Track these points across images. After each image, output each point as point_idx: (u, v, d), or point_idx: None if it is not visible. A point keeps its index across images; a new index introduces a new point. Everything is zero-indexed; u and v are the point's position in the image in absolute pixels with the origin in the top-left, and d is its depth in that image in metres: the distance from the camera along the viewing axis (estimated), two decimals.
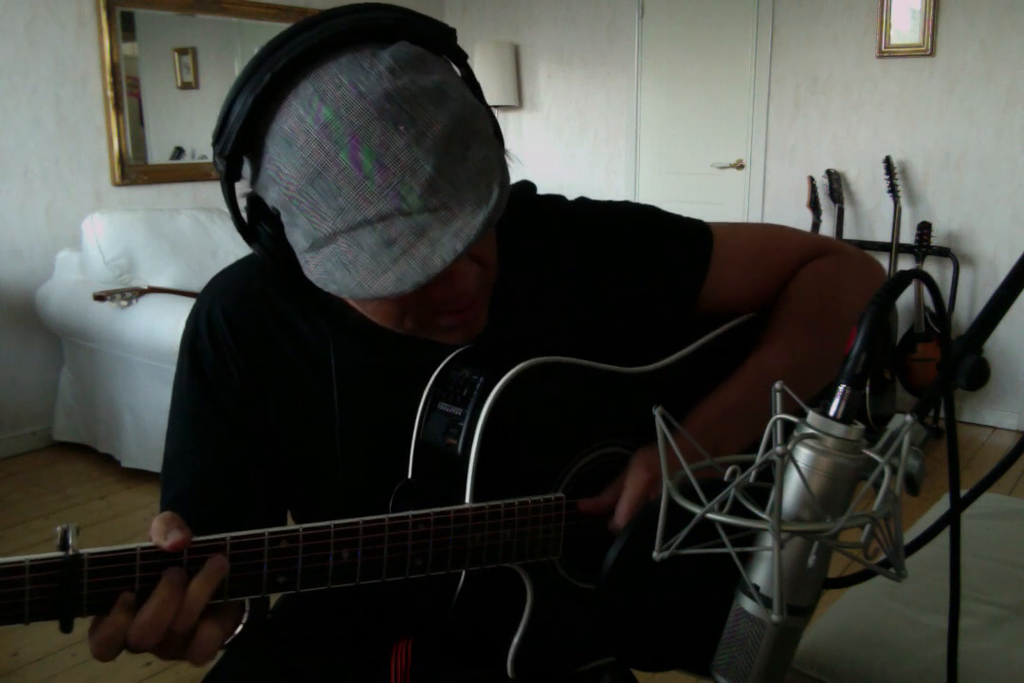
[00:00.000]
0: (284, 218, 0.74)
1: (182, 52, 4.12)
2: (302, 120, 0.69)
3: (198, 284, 3.31)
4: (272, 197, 0.73)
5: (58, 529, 0.65)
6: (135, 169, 3.92)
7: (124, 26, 3.82)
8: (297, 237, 0.74)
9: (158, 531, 0.69)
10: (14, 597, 0.63)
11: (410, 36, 0.74)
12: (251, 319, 0.90)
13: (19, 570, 0.62)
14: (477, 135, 0.73)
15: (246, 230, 0.79)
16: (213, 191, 4.16)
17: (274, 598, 1.05)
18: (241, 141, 0.73)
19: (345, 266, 0.70)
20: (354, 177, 0.68)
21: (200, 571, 0.69)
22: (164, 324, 3.02)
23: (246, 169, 0.76)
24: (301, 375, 0.90)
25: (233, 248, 3.57)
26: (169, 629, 0.68)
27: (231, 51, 4.30)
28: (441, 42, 0.76)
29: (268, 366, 0.90)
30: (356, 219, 0.69)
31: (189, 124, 4.16)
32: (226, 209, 0.79)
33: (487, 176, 0.71)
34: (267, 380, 0.90)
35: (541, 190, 0.97)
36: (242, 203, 0.79)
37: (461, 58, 0.79)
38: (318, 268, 0.73)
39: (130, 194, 3.92)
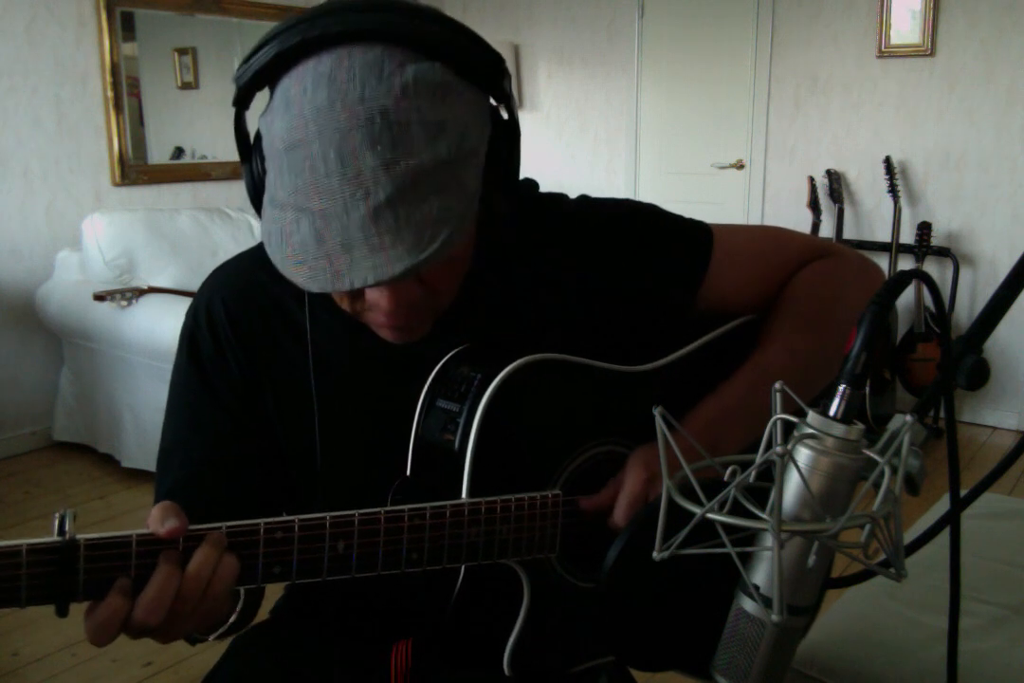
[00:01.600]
0: (267, 164, 0.75)
1: (182, 52, 4.12)
2: (304, 92, 0.70)
3: (198, 284, 3.29)
4: (266, 140, 0.74)
5: (56, 515, 0.66)
6: (135, 169, 3.92)
7: (124, 26, 3.82)
8: (268, 185, 0.75)
9: (156, 518, 0.69)
10: (11, 580, 0.63)
11: (452, 60, 0.73)
12: (251, 311, 0.90)
13: (16, 554, 0.63)
14: (454, 183, 0.71)
15: (244, 153, 0.79)
16: (213, 191, 4.16)
17: (273, 598, 1.05)
18: (254, 82, 0.75)
19: (283, 236, 0.71)
20: (316, 168, 0.69)
21: (200, 545, 0.69)
22: (164, 324, 3.02)
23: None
24: (299, 368, 0.90)
25: (233, 248, 3.56)
26: (179, 597, 0.68)
27: (231, 51, 4.29)
28: (483, 77, 0.76)
29: (267, 359, 0.90)
30: (304, 204, 0.70)
31: (189, 124, 4.13)
32: (226, 210, 0.80)
33: (437, 227, 0.69)
34: (265, 373, 0.90)
35: (541, 190, 0.97)
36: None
37: (502, 96, 0.78)
38: (267, 224, 0.74)
39: (130, 194, 3.92)
